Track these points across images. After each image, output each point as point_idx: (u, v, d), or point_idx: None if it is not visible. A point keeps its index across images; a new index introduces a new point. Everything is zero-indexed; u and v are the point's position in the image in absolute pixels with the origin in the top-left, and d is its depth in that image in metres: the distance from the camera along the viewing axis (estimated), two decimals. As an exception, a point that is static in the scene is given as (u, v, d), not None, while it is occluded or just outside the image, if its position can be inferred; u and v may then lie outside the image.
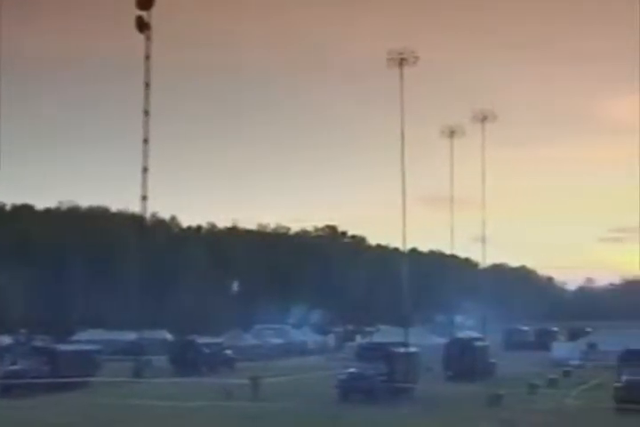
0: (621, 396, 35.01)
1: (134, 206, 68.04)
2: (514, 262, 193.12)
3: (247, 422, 31.80)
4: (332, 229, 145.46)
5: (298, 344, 77.41)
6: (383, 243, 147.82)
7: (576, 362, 57.91)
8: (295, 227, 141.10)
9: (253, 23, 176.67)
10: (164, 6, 56.32)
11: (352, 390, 37.42)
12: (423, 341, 55.13)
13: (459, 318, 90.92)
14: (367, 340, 66.78)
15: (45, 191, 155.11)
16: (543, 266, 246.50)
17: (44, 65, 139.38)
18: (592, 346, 61.66)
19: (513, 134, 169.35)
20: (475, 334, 75.34)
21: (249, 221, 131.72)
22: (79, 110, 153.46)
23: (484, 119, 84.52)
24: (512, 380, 44.52)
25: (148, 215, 65.12)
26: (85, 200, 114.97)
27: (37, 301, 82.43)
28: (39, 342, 58.54)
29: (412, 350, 43.09)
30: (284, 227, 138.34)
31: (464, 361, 49.04)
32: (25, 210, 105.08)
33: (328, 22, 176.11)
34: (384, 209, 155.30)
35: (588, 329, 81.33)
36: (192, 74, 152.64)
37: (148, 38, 54.64)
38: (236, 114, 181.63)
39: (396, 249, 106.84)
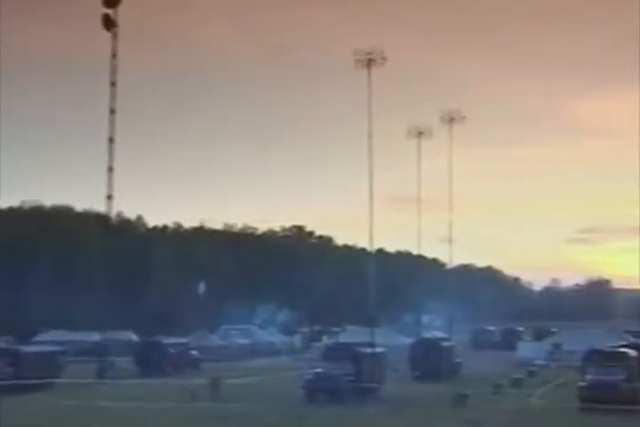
0: (585, 395, 35.31)
1: (99, 206, 67.36)
2: (481, 263, 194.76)
3: (212, 422, 31.62)
4: (300, 229, 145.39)
5: (264, 345, 77.19)
6: (350, 243, 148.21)
7: (541, 362, 58.33)
8: (262, 227, 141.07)
9: (221, 23, 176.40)
10: (131, 5, 55.94)
11: (318, 390, 37.36)
12: (390, 341, 55.29)
13: (425, 319, 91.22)
14: (334, 340, 66.73)
15: (8, 190, 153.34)
16: (510, 266, 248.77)
17: (7, 63, 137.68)
18: (557, 346, 62.14)
19: (481, 135, 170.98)
20: (441, 335, 75.72)
21: (216, 222, 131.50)
22: (44, 109, 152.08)
23: (451, 120, 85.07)
24: (478, 380, 44.70)
25: (113, 215, 64.55)
26: (49, 199, 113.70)
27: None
28: (1, 343, 57.66)
29: (379, 350, 43.10)
30: (250, 227, 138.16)
31: (430, 361, 49.19)
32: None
33: (296, 23, 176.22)
34: (351, 209, 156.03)
35: (554, 329, 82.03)
36: (158, 73, 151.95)
37: (115, 36, 54.20)
38: (203, 113, 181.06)
39: (364, 249, 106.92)
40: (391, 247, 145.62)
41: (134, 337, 69.83)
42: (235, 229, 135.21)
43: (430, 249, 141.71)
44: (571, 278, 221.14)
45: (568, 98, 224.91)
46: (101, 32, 54.09)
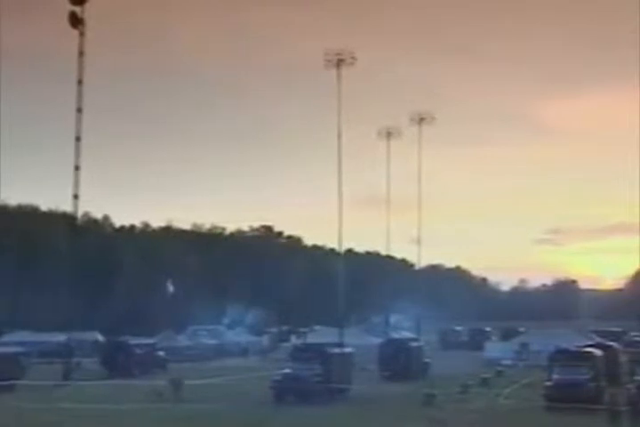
0: (551, 394, 35.53)
1: (65, 205, 66.57)
2: (449, 263, 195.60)
3: (176, 424, 31.36)
4: (268, 229, 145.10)
5: (232, 345, 76.82)
6: (319, 243, 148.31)
7: (508, 362, 58.56)
8: (230, 227, 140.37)
9: (191, 22, 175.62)
10: (99, 3, 55.35)
11: (286, 391, 37.16)
12: (358, 341, 55.20)
13: (394, 319, 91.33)
14: (302, 340, 66.55)
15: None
16: (478, 267, 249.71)
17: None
18: (524, 346, 62.41)
19: (450, 135, 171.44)
20: (409, 335, 75.81)
21: (184, 221, 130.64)
22: (9, 106, 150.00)
23: (420, 121, 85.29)
24: (446, 380, 44.79)
25: (79, 215, 64.04)
26: (14, 198, 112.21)
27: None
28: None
29: (347, 350, 43.03)
30: (219, 227, 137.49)
31: (398, 361, 49.22)
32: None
33: (267, 23, 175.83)
34: (320, 209, 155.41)
35: (521, 329, 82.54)
36: (126, 72, 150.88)
37: (82, 34, 53.57)
38: (172, 113, 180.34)
39: (332, 250, 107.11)
40: (360, 248, 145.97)
41: (100, 338, 69.18)
42: (203, 229, 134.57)
43: (399, 250, 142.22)
44: (538, 279, 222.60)
45: (537, 99, 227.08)
46: (69, 29, 53.47)
